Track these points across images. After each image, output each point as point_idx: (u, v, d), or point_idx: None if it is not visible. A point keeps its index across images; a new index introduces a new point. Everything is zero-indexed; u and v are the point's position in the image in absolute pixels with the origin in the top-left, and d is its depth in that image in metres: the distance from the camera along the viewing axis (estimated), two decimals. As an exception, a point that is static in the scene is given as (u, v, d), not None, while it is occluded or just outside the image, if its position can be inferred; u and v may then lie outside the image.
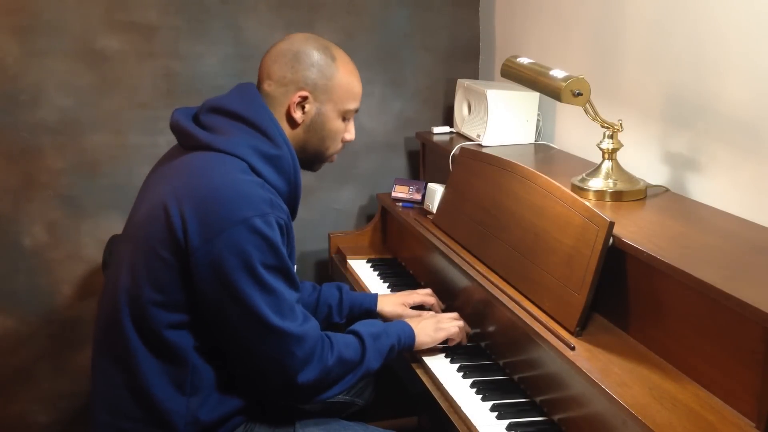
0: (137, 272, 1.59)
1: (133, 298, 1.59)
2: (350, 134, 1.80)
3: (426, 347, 1.86)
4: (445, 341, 1.90)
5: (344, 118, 1.76)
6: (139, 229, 1.63)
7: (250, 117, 1.64)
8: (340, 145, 1.79)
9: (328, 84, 1.70)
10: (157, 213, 1.57)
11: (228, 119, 1.65)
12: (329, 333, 1.68)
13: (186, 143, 1.69)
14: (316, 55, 1.70)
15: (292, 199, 1.70)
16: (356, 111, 1.79)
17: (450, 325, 1.89)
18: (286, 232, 1.61)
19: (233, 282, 1.53)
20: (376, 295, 2.07)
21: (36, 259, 2.62)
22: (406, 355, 1.89)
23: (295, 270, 1.68)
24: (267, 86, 1.70)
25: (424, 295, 2.08)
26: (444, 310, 2.07)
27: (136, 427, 1.61)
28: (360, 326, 1.77)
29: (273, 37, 1.78)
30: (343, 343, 1.68)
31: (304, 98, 1.68)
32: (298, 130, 1.71)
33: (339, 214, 2.88)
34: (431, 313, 2.02)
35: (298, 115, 1.69)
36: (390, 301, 2.06)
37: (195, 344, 1.60)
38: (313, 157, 1.77)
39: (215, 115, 1.67)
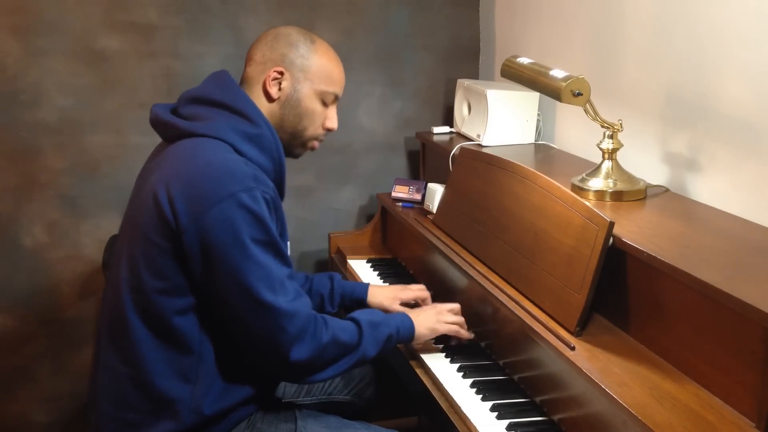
0: (135, 263, 1.60)
1: (135, 290, 1.60)
2: (331, 121, 1.80)
3: (425, 339, 1.86)
4: (446, 337, 1.89)
5: (324, 102, 1.76)
6: (132, 221, 1.66)
7: (227, 101, 1.67)
8: (320, 130, 1.79)
9: (305, 63, 1.72)
10: (148, 201, 1.59)
11: (206, 107, 1.68)
12: (325, 315, 1.69)
13: (168, 135, 1.71)
14: (295, 36, 1.74)
15: (278, 177, 1.72)
16: (337, 98, 1.79)
17: (451, 319, 1.88)
18: (274, 208, 1.62)
19: (223, 257, 1.54)
20: (367, 285, 2.06)
21: (36, 259, 2.62)
22: (403, 350, 1.90)
23: (288, 249, 1.68)
24: (248, 67, 1.74)
25: (417, 290, 2.05)
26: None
27: (139, 417, 1.62)
28: (359, 314, 1.77)
29: (273, 37, 1.79)
30: (339, 327, 1.68)
31: (280, 73, 1.71)
32: (274, 106, 1.73)
33: (339, 214, 2.88)
34: (433, 304, 2.01)
35: (273, 90, 1.72)
36: (381, 293, 2.04)
37: (203, 330, 1.61)
38: (290, 137, 1.76)
39: (193, 105, 1.70)
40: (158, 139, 2.57)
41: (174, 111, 1.72)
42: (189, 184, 1.56)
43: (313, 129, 1.78)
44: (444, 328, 1.87)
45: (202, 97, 1.69)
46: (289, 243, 1.74)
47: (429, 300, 2.05)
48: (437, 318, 1.87)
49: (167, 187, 1.57)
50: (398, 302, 2.01)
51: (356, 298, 2.03)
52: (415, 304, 2.04)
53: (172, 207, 1.55)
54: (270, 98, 1.72)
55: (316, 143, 1.82)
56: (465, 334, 1.90)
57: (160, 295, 1.58)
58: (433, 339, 1.90)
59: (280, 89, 1.72)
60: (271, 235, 1.58)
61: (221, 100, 1.67)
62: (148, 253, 1.58)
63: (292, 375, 1.70)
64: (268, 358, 1.63)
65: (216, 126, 1.64)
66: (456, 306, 1.92)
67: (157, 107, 1.73)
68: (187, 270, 1.57)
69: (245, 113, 1.66)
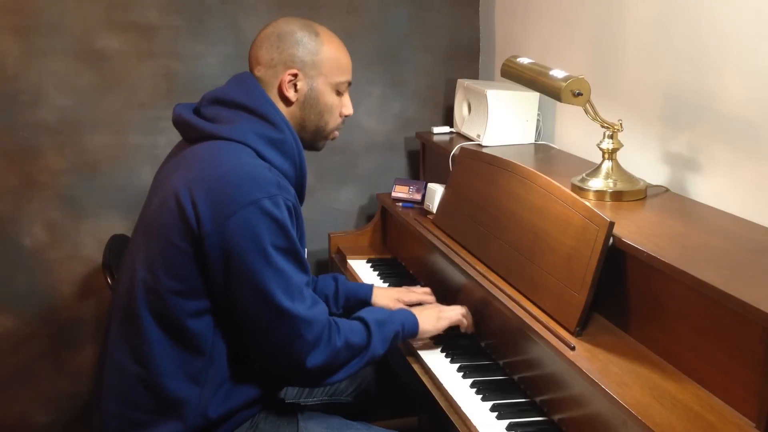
0: (153, 263, 1.60)
1: (151, 290, 1.60)
2: (347, 108, 1.81)
3: (429, 335, 1.87)
4: (455, 328, 1.90)
5: (338, 92, 1.77)
6: (152, 221, 1.65)
7: (250, 105, 1.67)
8: (339, 119, 1.81)
9: (315, 59, 1.72)
10: (169, 203, 1.59)
11: (229, 109, 1.68)
12: (335, 318, 1.70)
13: (190, 136, 1.71)
14: (299, 33, 1.73)
15: (299, 183, 1.73)
16: (349, 84, 1.80)
17: (452, 313, 1.90)
18: (295, 215, 1.63)
19: (244, 263, 1.55)
20: (371, 287, 2.07)
21: (36, 259, 2.62)
22: (403, 350, 1.90)
23: (306, 254, 1.69)
24: (257, 71, 1.73)
25: (421, 294, 2.07)
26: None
27: (145, 417, 1.63)
28: (365, 313, 1.78)
29: (272, 37, 1.79)
30: (349, 329, 1.70)
31: (294, 75, 1.71)
32: (294, 109, 1.73)
33: (339, 214, 2.88)
34: (435, 304, 2.02)
35: (290, 93, 1.72)
36: (385, 294, 2.06)
37: (216, 333, 1.61)
38: (314, 135, 1.78)
39: (216, 107, 1.69)
40: (159, 140, 2.60)
41: (196, 111, 1.72)
42: (213, 188, 1.56)
43: (333, 121, 1.79)
44: (445, 323, 1.88)
45: (225, 99, 1.69)
46: (306, 249, 1.74)
47: (434, 303, 2.06)
48: (439, 314, 1.89)
49: (190, 191, 1.57)
50: (401, 304, 2.03)
51: (360, 299, 2.04)
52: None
53: (195, 211, 1.55)
54: (288, 102, 1.72)
55: (336, 133, 1.83)
56: (469, 323, 1.91)
57: (175, 297, 1.58)
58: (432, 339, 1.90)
59: (296, 91, 1.72)
60: (292, 243, 1.59)
61: (245, 103, 1.67)
62: (168, 254, 1.58)
63: (307, 380, 1.72)
64: (285, 364, 1.63)
65: (240, 130, 1.64)
66: (458, 306, 1.94)
67: (180, 107, 1.74)
68: (206, 273, 1.57)
69: (268, 117, 1.66)
